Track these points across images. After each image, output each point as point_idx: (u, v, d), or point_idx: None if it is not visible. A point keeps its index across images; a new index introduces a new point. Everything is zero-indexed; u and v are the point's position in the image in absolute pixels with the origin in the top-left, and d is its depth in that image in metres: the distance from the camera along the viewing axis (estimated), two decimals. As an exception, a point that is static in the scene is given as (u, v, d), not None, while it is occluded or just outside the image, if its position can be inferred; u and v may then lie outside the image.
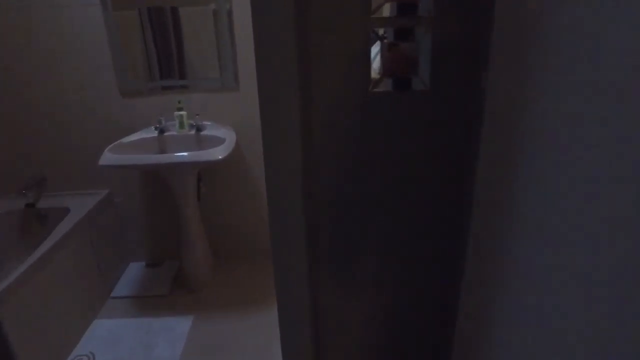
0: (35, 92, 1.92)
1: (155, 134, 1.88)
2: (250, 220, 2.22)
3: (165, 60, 1.89)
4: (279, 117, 0.73)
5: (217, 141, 1.77)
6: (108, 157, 1.61)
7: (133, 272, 2.24)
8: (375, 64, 0.76)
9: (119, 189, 2.15)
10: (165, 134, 1.89)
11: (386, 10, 0.73)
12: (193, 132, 1.89)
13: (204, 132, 1.88)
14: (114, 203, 2.17)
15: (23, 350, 1.46)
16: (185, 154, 1.61)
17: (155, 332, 1.80)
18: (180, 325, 1.83)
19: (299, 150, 0.75)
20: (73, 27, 1.81)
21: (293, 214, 0.79)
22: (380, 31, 0.74)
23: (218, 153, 1.59)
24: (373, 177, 0.82)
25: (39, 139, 2.02)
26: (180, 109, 1.87)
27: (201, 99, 1.93)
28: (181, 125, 1.88)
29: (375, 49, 0.75)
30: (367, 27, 0.72)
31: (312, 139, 0.78)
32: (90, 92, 1.92)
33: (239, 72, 1.89)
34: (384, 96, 0.76)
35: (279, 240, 0.82)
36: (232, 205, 2.19)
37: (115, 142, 1.74)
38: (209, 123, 1.93)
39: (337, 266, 0.89)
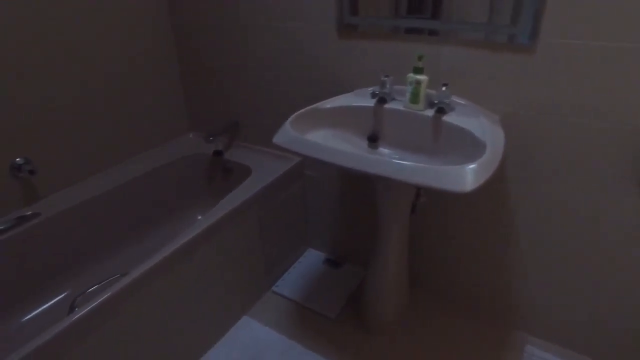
0: (234, 20, 1.44)
1: (372, 103, 1.18)
2: (483, 262, 1.38)
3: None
4: None
5: (468, 143, 0.96)
6: (287, 134, 1.00)
7: (307, 264, 1.74)
8: None
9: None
10: (386, 105, 1.17)
11: None
12: (431, 112, 1.11)
13: (448, 118, 1.08)
14: (304, 176, 1.65)
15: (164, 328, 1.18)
16: (406, 164, 0.86)
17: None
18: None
19: None
20: None
21: None
22: None
23: (469, 176, 0.80)
24: None
25: (236, 78, 1.59)
26: (418, 71, 1.10)
27: (457, 58, 1.11)
28: (414, 97, 1.12)
29: None
30: None
31: None
32: (300, 23, 1.32)
33: (543, 16, 0.98)
34: None
35: None
36: (461, 232, 1.37)
37: (308, 107, 1.12)
38: (461, 102, 1.11)
39: None
